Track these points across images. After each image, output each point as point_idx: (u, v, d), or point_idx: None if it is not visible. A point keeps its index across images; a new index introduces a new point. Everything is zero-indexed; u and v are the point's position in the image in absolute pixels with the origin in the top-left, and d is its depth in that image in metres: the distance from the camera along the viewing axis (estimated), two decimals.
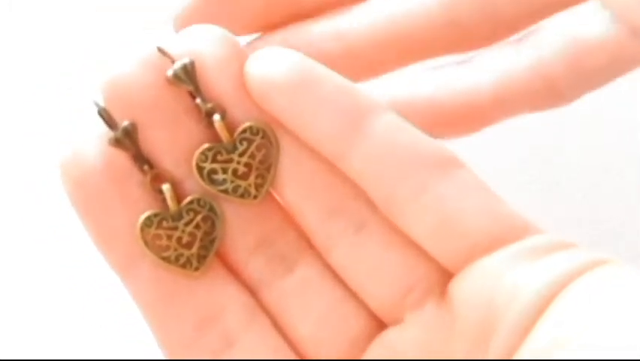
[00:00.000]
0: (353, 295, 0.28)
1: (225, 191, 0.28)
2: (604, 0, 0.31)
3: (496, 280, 0.26)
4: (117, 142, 0.27)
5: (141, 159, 0.27)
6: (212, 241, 0.27)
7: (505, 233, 0.27)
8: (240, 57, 0.27)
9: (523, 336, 0.25)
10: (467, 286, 0.27)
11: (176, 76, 0.27)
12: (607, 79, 0.33)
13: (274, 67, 0.27)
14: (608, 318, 0.24)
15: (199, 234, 0.27)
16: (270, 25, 0.33)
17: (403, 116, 0.28)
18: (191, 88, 0.27)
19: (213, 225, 0.27)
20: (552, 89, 0.33)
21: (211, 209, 0.27)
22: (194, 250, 0.27)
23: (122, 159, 0.27)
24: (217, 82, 0.27)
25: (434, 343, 0.27)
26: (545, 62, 0.32)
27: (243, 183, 0.28)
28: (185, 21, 0.31)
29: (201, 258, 0.27)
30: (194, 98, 0.27)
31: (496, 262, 0.27)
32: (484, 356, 0.26)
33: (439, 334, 0.27)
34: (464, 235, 0.27)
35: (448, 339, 0.27)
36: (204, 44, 0.27)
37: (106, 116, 0.27)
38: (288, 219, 0.28)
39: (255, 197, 0.28)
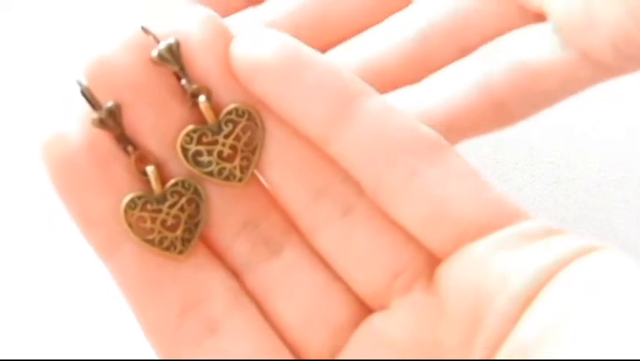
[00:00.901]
0: (339, 279, 0.28)
1: (210, 173, 0.27)
2: (555, 24, 0.31)
3: (484, 266, 0.26)
4: (101, 123, 0.26)
5: (125, 140, 0.26)
6: (196, 224, 0.27)
7: (495, 219, 0.27)
8: (225, 38, 0.27)
9: (513, 323, 0.25)
10: (456, 271, 0.26)
11: (160, 56, 0.27)
12: (557, 100, 0.33)
13: (260, 48, 0.27)
14: (600, 305, 0.23)
15: (183, 216, 0.27)
16: None
17: None
18: (176, 68, 0.27)
19: (198, 208, 0.27)
20: (501, 112, 0.33)
21: (195, 192, 0.27)
22: (179, 232, 0.27)
23: (106, 140, 0.26)
24: (202, 63, 0.27)
25: (422, 328, 0.27)
26: (494, 85, 0.32)
27: (228, 166, 0.27)
28: None
29: (185, 241, 0.27)
30: (179, 79, 0.27)
31: (485, 247, 0.26)
32: (473, 343, 0.25)
33: (426, 319, 0.27)
34: (453, 220, 0.27)
35: (436, 325, 0.26)
36: (189, 25, 0.27)
37: (89, 96, 0.26)
38: (274, 203, 0.28)
39: (240, 179, 0.27)
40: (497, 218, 0.27)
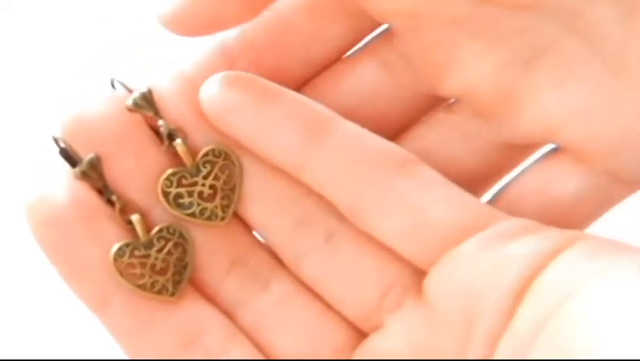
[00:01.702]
0: (330, 306, 0.28)
1: (192, 215, 0.28)
2: (578, 153, 0.28)
3: (472, 266, 0.26)
4: (83, 175, 0.27)
5: (108, 191, 0.27)
6: (184, 267, 0.28)
7: (475, 222, 0.27)
8: (194, 85, 0.28)
9: (509, 317, 0.25)
10: (444, 276, 0.27)
11: (135, 104, 0.27)
12: (593, 222, 0.30)
13: (228, 89, 0.27)
14: (593, 289, 0.24)
15: (172, 260, 0.28)
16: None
17: None
18: (151, 114, 0.27)
19: (185, 251, 0.28)
20: None
21: (181, 236, 0.28)
22: (169, 275, 0.27)
23: (89, 193, 0.27)
24: (175, 108, 0.28)
25: (419, 339, 0.27)
26: None
27: (209, 205, 0.28)
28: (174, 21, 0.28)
29: (176, 283, 0.28)
30: (152, 127, 0.28)
31: (470, 248, 0.26)
32: (470, 342, 0.26)
33: (422, 330, 0.27)
34: (434, 227, 0.27)
35: (432, 333, 0.27)
36: (158, 75, 0.28)
37: (70, 152, 0.27)
38: (257, 239, 0.28)
39: (223, 218, 0.28)
40: (477, 220, 0.27)
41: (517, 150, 0.30)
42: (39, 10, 0.51)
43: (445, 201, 0.27)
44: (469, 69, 0.28)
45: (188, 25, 0.27)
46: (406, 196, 0.27)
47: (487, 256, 0.26)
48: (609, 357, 0.22)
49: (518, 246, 0.26)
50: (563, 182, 0.29)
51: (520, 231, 0.26)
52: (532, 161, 0.30)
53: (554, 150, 0.29)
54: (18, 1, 0.51)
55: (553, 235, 0.26)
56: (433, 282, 0.27)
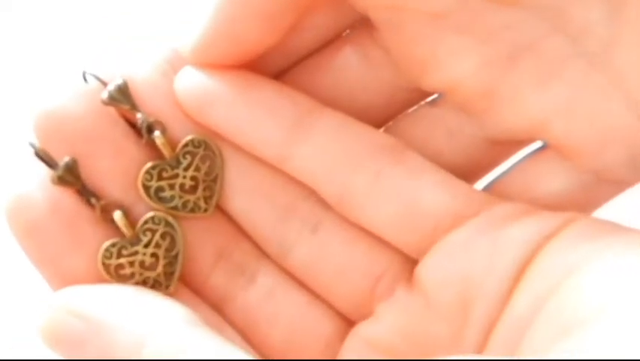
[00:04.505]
0: (317, 296, 0.27)
1: (175, 208, 0.27)
2: (564, 151, 0.28)
3: (468, 253, 0.25)
4: (60, 180, 0.26)
5: (87, 193, 0.26)
6: (175, 256, 0.27)
7: (467, 208, 0.26)
8: (169, 75, 0.27)
9: (505, 303, 0.24)
10: (437, 263, 0.26)
11: (111, 97, 0.26)
12: None
13: (206, 80, 0.27)
14: (592, 268, 0.23)
15: (160, 252, 0.27)
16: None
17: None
18: (127, 107, 0.27)
19: (173, 240, 0.27)
20: None
21: (167, 224, 0.27)
22: (160, 269, 0.27)
23: (68, 198, 0.26)
24: (151, 100, 0.27)
25: (411, 326, 0.26)
26: None
27: (191, 198, 0.27)
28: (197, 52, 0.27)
29: (169, 275, 0.27)
30: (128, 120, 0.27)
31: (464, 235, 0.26)
32: (465, 329, 0.25)
33: (414, 317, 0.26)
34: (426, 214, 0.26)
35: (425, 320, 0.26)
36: (131, 67, 0.27)
37: (45, 156, 0.26)
38: (240, 230, 0.28)
39: (206, 210, 0.27)
40: (469, 207, 0.26)
41: (501, 147, 0.29)
42: (39, 10, 0.51)
43: (437, 187, 0.27)
44: (451, 65, 0.27)
45: (212, 54, 0.27)
46: (395, 183, 0.26)
47: (482, 242, 0.25)
48: (617, 322, 0.21)
49: (514, 229, 0.25)
50: (549, 180, 0.28)
51: (515, 215, 0.26)
52: (518, 158, 0.29)
53: (541, 148, 0.28)
54: (18, 1, 0.51)
55: (550, 217, 0.25)
56: (426, 269, 0.26)
